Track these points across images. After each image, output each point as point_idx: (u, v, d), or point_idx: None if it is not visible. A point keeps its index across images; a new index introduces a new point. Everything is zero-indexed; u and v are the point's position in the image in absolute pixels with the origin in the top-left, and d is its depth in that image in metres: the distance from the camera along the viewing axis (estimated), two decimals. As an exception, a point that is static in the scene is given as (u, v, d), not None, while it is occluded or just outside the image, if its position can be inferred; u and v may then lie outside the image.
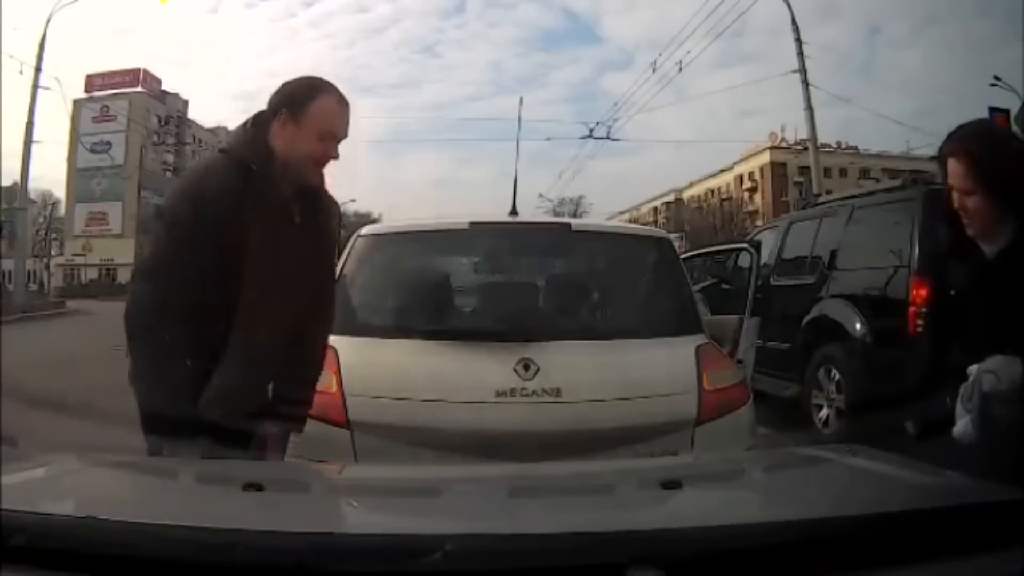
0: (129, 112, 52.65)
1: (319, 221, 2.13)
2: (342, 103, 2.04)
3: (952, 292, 2.17)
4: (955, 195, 1.99)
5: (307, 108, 1.99)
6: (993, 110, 17.11)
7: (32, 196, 43.31)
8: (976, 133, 2.05)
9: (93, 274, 53.61)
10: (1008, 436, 1.84)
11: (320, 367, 2.28)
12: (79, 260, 55.21)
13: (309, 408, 2.24)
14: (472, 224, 3.22)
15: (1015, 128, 15.56)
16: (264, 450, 2.11)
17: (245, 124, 2.05)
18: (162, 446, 1.94)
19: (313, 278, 2.13)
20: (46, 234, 57.80)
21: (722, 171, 58.71)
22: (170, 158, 59.99)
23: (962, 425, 1.96)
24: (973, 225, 1.99)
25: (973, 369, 1.94)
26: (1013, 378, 1.84)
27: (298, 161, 1.99)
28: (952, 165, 1.98)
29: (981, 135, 2.05)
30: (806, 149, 21.73)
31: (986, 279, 1.98)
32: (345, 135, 2.05)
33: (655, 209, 63.91)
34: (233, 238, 1.91)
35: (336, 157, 2.02)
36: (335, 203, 2.26)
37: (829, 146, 40.48)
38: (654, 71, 21.72)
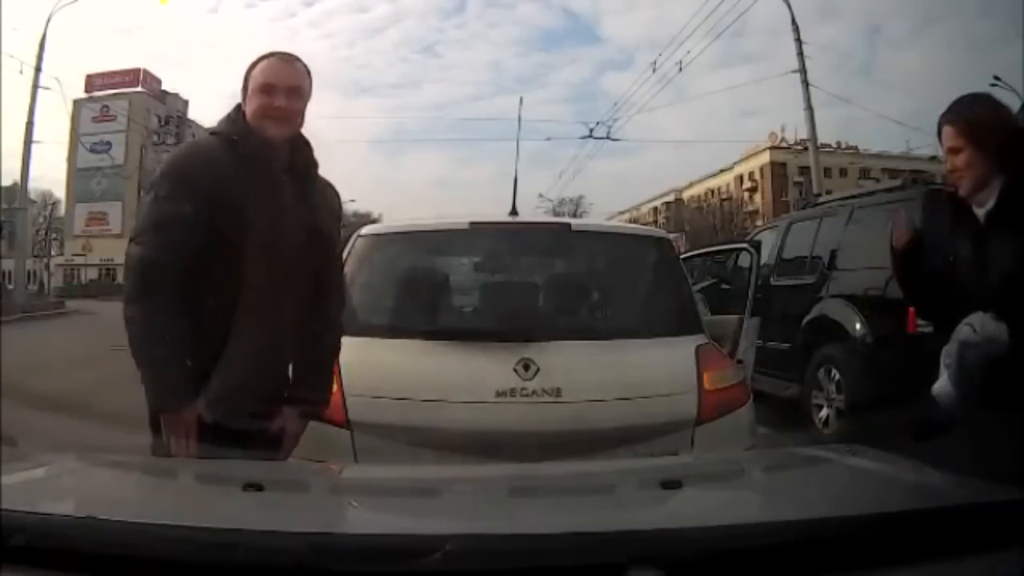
0: (129, 112, 52.62)
1: (310, 200, 2.13)
2: (281, 59, 2.13)
3: (951, 259, 2.23)
4: (948, 159, 2.15)
5: (251, 75, 2.12)
6: (993, 110, 17.07)
7: (32, 196, 43.36)
8: (968, 99, 2.21)
9: (93, 274, 53.58)
10: (980, 384, 1.99)
11: (333, 358, 2.29)
12: (79, 260, 55.21)
13: (327, 401, 2.26)
14: (472, 224, 3.21)
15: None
16: (278, 444, 2.12)
17: (230, 112, 2.15)
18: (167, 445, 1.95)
19: (312, 260, 2.13)
20: (46, 234, 57.82)
21: (722, 171, 58.67)
22: (170, 158, 59.75)
23: (941, 381, 2.13)
24: (963, 184, 2.12)
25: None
26: (989, 330, 1.97)
27: (255, 120, 2.07)
28: (946, 131, 2.16)
29: (972, 101, 2.21)
30: (806, 149, 21.71)
31: (979, 243, 2.10)
32: (290, 83, 2.09)
33: (655, 209, 63.87)
34: (221, 211, 1.96)
35: (282, 105, 2.06)
36: (332, 188, 2.28)
37: (829, 146, 40.45)
38: (654, 71, 21.70)
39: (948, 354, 2.09)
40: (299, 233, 2.06)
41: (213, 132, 2.13)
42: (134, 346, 1.93)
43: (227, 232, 1.96)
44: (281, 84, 2.07)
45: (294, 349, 2.16)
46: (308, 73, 2.17)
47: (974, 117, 2.13)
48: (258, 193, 1.99)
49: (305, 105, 2.14)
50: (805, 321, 6.05)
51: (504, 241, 3.37)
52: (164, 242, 1.94)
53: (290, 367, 2.20)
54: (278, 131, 2.06)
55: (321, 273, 2.18)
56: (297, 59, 2.17)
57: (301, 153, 2.15)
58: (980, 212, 2.11)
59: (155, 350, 1.92)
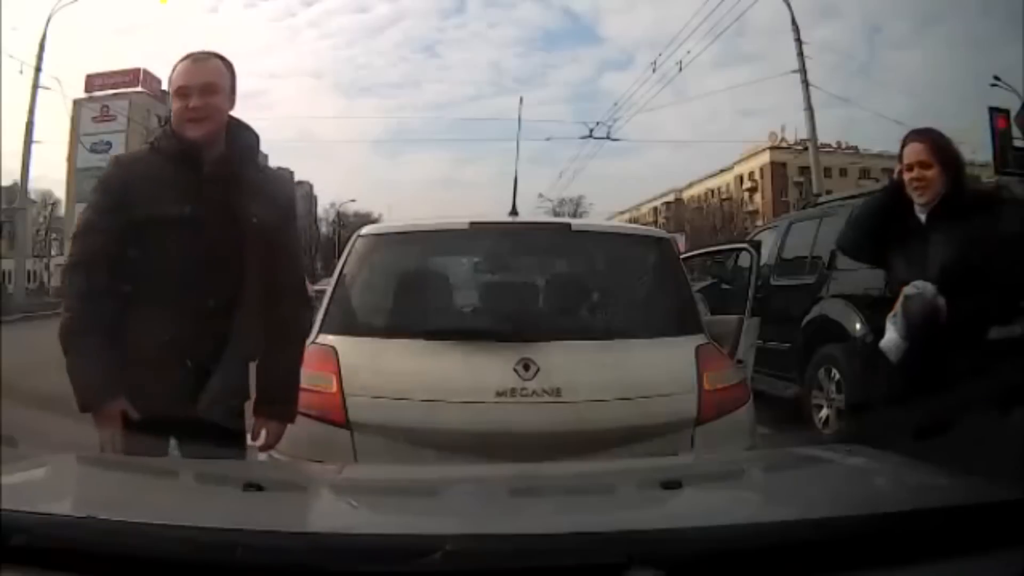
0: (129, 112, 52.56)
1: (247, 196, 2.12)
2: (194, 60, 2.14)
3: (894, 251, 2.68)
4: (915, 170, 2.57)
5: (170, 80, 2.14)
6: (993, 110, 17.11)
7: (32, 196, 43.43)
8: (925, 128, 2.68)
9: (93, 274, 53.56)
10: (923, 333, 2.44)
11: (296, 366, 2.26)
12: (79, 260, 55.18)
13: (293, 415, 2.24)
14: (472, 224, 3.21)
15: (1015, 128, 15.60)
16: (241, 444, 2.15)
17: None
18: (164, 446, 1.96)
19: (258, 257, 2.11)
20: (46, 234, 57.77)
21: (722, 171, 58.64)
22: (170, 158, 59.70)
23: (888, 335, 2.56)
24: (925, 195, 2.58)
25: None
26: (930, 289, 2.46)
27: (176, 124, 2.10)
28: (915, 147, 2.59)
29: (929, 128, 2.68)
30: (806, 149, 21.77)
31: (920, 239, 2.57)
32: (202, 82, 2.09)
33: (655, 209, 63.84)
34: (145, 217, 2.01)
35: (196, 105, 2.07)
36: (283, 178, 2.29)
37: (829, 146, 40.39)
38: (654, 71, 21.84)
39: (894, 314, 2.54)
40: (235, 231, 2.07)
41: (148, 143, 2.21)
42: (62, 348, 2.00)
43: (156, 237, 2.00)
44: (194, 84, 2.08)
45: (251, 353, 2.15)
46: (226, 68, 2.16)
47: (939, 138, 2.62)
48: (182, 197, 2.02)
49: (225, 100, 2.13)
50: (805, 321, 6.04)
51: (504, 241, 3.36)
52: (84, 251, 2.04)
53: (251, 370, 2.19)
54: (197, 131, 2.08)
55: (270, 272, 2.14)
56: (212, 56, 2.16)
57: (238, 146, 2.15)
58: (922, 216, 2.59)
59: (76, 352, 1.99)
